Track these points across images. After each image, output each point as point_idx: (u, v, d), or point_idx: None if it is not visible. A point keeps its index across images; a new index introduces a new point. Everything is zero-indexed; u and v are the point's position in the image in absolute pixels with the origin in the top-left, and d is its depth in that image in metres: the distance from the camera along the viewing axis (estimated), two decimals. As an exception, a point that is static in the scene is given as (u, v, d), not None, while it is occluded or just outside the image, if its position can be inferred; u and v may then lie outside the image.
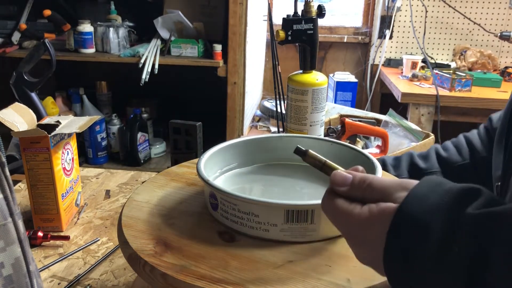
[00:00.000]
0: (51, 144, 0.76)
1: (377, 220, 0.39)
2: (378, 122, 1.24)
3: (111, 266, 0.73)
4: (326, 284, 0.47)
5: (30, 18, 2.05)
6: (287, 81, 0.92)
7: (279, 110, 1.76)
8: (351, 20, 2.76)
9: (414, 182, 0.40)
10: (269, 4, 1.96)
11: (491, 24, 2.60)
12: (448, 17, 2.62)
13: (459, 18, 2.60)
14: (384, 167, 0.85)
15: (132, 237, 0.54)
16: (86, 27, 1.94)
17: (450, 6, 2.58)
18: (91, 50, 1.98)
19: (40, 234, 0.77)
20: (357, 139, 1.20)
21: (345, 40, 2.70)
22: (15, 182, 1.00)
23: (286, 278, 0.47)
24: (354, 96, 2.41)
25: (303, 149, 0.48)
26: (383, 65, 2.66)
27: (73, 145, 0.86)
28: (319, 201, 0.54)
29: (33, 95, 1.39)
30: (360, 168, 0.46)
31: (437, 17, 2.62)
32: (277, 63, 1.70)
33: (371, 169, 0.62)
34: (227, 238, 0.55)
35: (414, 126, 1.25)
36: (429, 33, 2.64)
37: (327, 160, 0.46)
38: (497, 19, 2.59)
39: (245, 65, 1.93)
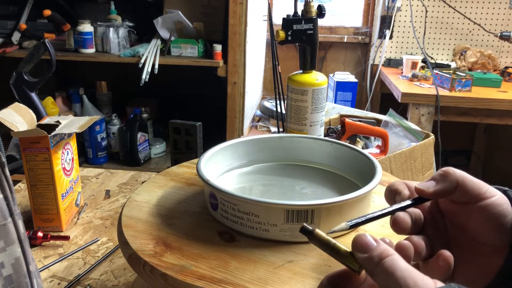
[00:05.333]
0: (51, 144, 0.76)
1: None
2: (378, 122, 1.24)
3: (111, 266, 0.73)
4: (326, 284, 0.47)
5: (30, 18, 2.05)
6: (287, 81, 0.92)
7: (279, 110, 1.76)
8: (351, 20, 2.76)
9: None
10: (269, 4, 1.96)
11: (491, 24, 2.60)
12: (448, 17, 2.62)
13: (459, 18, 2.60)
14: None
15: (132, 237, 0.54)
16: (86, 27, 1.94)
17: (450, 6, 2.58)
18: (91, 50, 1.98)
19: (40, 234, 0.77)
20: (357, 139, 1.20)
21: (345, 40, 2.70)
22: (15, 182, 1.00)
23: (286, 278, 0.47)
24: (354, 96, 2.41)
25: (310, 228, 0.39)
26: (383, 65, 2.66)
27: (73, 145, 0.86)
28: (319, 201, 0.54)
29: (33, 95, 1.39)
30: (387, 240, 0.38)
31: (437, 17, 2.62)
32: (277, 63, 1.70)
33: (371, 169, 0.62)
34: (227, 238, 0.55)
35: (414, 126, 1.24)
36: (429, 33, 2.64)
37: (336, 242, 0.38)
38: (497, 19, 2.59)
39: (245, 65, 1.93)
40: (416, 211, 0.44)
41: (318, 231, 0.39)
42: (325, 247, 0.39)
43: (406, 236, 0.43)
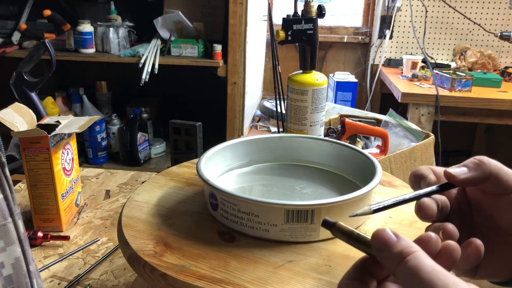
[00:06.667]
0: (51, 144, 0.76)
1: None
2: (378, 122, 1.24)
3: (111, 266, 0.73)
4: (326, 284, 0.47)
5: (30, 18, 2.05)
6: (287, 81, 0.92)
7: (279, 110, 1.76)
8: (351, 20, 2.76)
9: None
10: (269, 4, 1.96)
11: (491, 24, 2.60)
12: (448, 17, 2.62)
13: (459, 18, 2.60)
14: None
15: (132, 237, 0.54)
16: (86, 27, 1.94)
17: (450, 6, 2.58)
18: (91, 50, 1.98)
19: (40, 234, 0.77)
20: (357, 139, 1.20)
21: (345, 40, 2.70)
22: (15, 182, 1.00)
23: (286, 278, 0.47)
24: (354, 96, 2.41)
25: (332, 221, 0.38)
26: (383, 65, 2.66)
27: (73, 145, 0.86)
28: (319, 201, 0.54)
29: (33, 95, 1.39)
30: (433, 236, 0.35)
31: (437, 17, 2.62)
32: (277, 63, 1.70)
33: (371, 169, 0.62)
34: (227, 238, 0.54)
35: (414, 126, 1.24)
36: (429, 33, 2.64)
37: (360, 232, 0.37)
38: (497, 19, 2.59)
39: (245, 65, 1.93)
40: (442, 198, 0.42)
41: (340, 223, 0.38)
42: (348, 238, 0.37)
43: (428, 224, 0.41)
